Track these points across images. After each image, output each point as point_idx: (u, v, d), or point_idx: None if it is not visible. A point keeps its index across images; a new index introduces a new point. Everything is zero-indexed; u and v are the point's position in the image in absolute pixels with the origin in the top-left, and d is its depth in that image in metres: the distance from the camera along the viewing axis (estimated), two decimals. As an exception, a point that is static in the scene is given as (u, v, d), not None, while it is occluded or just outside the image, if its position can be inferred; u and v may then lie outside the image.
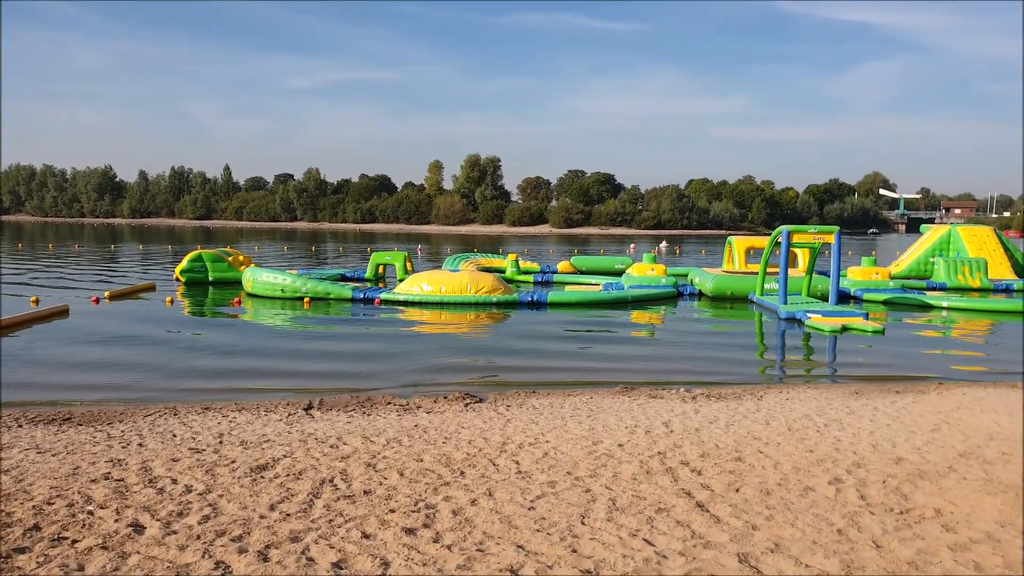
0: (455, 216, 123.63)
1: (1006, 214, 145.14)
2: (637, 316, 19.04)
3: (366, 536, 4.82)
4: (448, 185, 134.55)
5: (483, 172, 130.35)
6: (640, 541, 4.80)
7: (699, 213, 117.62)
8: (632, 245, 62.01)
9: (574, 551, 4.65)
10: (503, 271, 27.66)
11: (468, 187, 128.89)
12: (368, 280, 26.18)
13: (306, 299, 20.05)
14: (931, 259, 28.38)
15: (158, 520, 5.05)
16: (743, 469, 6.36)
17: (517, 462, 6.45)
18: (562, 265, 29.67)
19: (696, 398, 9.71)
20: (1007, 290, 25.50)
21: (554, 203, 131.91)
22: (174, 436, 7.34)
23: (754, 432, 7.68)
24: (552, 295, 20.37)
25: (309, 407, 8.87)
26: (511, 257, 28.65)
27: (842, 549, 4.71)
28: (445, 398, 9.43)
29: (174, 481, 5.88)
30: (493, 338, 15.33)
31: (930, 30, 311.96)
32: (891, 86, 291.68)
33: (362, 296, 20.18)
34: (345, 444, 6.99)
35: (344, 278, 26.12)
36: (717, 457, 6.71)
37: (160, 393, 10.04)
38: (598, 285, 24.37)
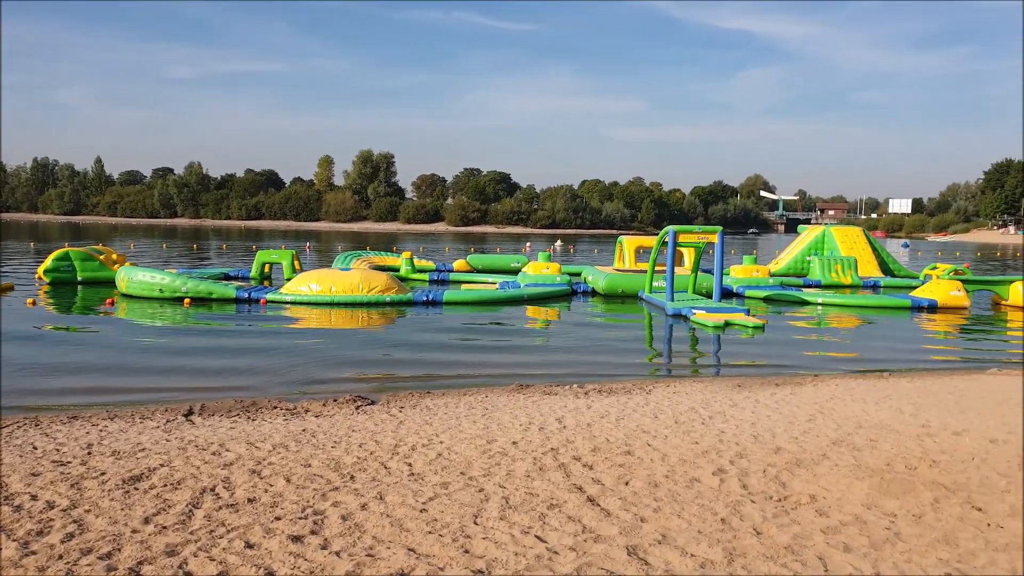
0: (347, 213, 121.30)
1: (873, 215, 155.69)
2: (533, 314, 19.21)
3: (249, 546, 4.61)
4: (339, 181, 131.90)
5: (376, 168, 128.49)
6: (532, 538, 4.80)
7: (592, 213, 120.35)
8: (528, 244, 62.72)
9: (466, 551, 4.60)
10: (397, 270, 27.33)
11: (360, 183, 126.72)
12: (253, 279, 25.26)
13: (186, 299, 19.10)
14: (807, 258, 29.99)
15: (14, 540, 4.65)
16: (632, 462, 6.49)
17: (410, 464, 6.35)
18: (458, 264, 29.61)
19: (589, 393, 9.86)
20: (875, 286, 27.31)
21: (450, 201, 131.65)
22: (35, 449, 6.80)
23: (643, 426, 7.86)
24: (448, 294, 20.28)
25: (189, 413, 8.43)
26: (405, 255, 28.35)
27: (725, 537, 4.86)
28: (335, 401, 9.18)
29: (34, 497, 5.43)
30: (386, 339, 15.08)
31: (807, 40, 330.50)
32: (772, 92, 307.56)
33: (247, 296, 19.41)
34: (228, 451, 6.68)
35: (228, 277, 25.11)
36: (608, 451, 6.82)
37: (19, 401, 9.28)
38: (494, 284, 24.46)
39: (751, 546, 4.73)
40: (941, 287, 21.70)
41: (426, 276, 27.13)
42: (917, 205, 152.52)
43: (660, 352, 15.07)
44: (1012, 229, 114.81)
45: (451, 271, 28.49)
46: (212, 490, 5.60)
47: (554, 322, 18.36)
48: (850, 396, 9.85)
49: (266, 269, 26.10)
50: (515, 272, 27.93)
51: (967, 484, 6.01)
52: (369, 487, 5.72)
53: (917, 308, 21.07)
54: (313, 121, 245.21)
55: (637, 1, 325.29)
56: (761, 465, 6.47)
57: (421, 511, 5.24)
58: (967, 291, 21.76)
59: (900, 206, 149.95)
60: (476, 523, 5.05)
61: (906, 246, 75.79)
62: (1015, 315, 20.87)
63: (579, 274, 27.02)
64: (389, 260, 29.90)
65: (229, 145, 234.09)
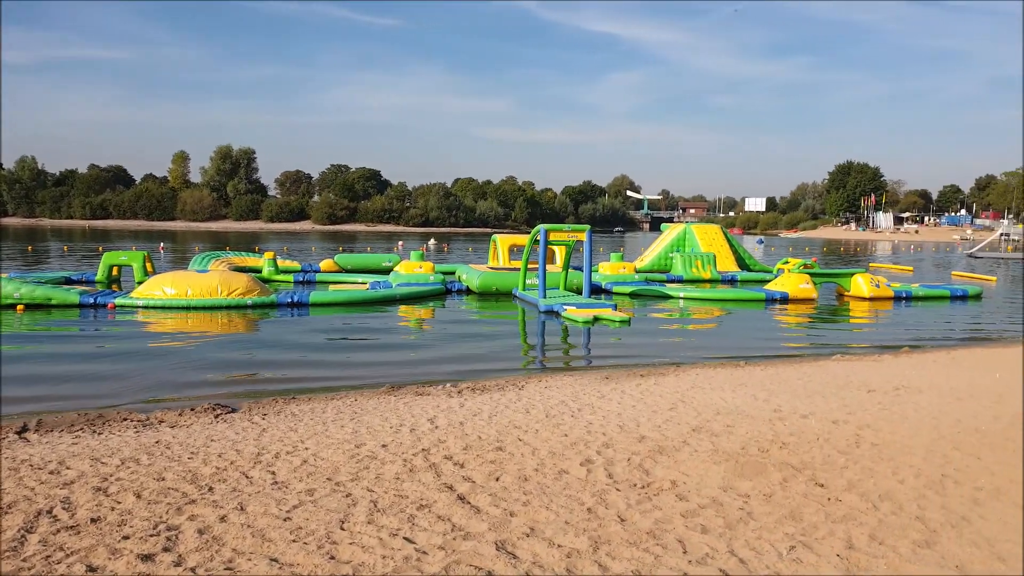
0: (204, 212, 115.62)
1: (731, 214, 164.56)
2: (405, 314, 18.99)
3: (92, 569, 4.27)
4: (196, 178, 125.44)
5: (236, 164, 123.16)
6: (401, 540, 4.73)
7: (466, 211, 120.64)
8: (400, 242, 62.04)
9: (332, 558, 4.46)
10: (259, 271, 26.29)
11: (219, 180, 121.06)
12: (100, 283, 23.57)
13: (19, 306, 17.56)
14: (670, 254, 31.30)
15: None
16: (503, 458, 6.52)
17: (273, 472, 6.10)
18: (325, 263, 28.84)
19: (462, 392, 9.84)
20: (732, 281, 28.87)
21: (316, 198, 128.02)
22: None
23: (515, 421, 7.92)
24: (315, 295, 19.70)
25: (23, 430, 7.73)
26: (268, 255, 27.28)
27: (591, 526, 4.96)
28: (192, 410, 8.69)
29: None
30: (248, 343, 14.45)
31: (668, 45, 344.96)
32: (636, 95, 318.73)
33: (92, 301, 18.06)
34: (69, 468, 6.17)
35: (70, 281, 23.29)
36: (479, 449, 6.82)
37: None
38: (365, 284, 23.98)
39: (615, 533, 4.85)
40: (792, 280, 23.23)
41: (291, 277, 26.11)
42: (770, 204, 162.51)
43: (533, 348, 15.27)
44: (853, 226, 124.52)
45: (318, 271, 27.67)
46: (49, 512, 5.16)
47: (427, 322, 18.24)
48: (709, 385, 10.33)
49: (114, 272, 24.43)
50: (386, 272, 27.54)
51: (812, 463, 6.43)
52: (229, 498, 5.45)
53: (770, 300, 22.46)
54: (165, 114, 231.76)
55: (504, 1, 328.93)
56: (626, 454, 6.66)
57: (285, 520, 5.04)
58: (815, 284, 23.41)
59: (755, 205, 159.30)
60: (343, 528, 4.91)
61: (761, 242, 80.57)
62: (857, 305, 22.64)
63: (453, 273, 26.99)
64: (251, 261, 28.64)
65: (69, 138, 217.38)
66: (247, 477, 5.96)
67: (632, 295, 23.60)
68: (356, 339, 15.15)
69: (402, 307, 19.97)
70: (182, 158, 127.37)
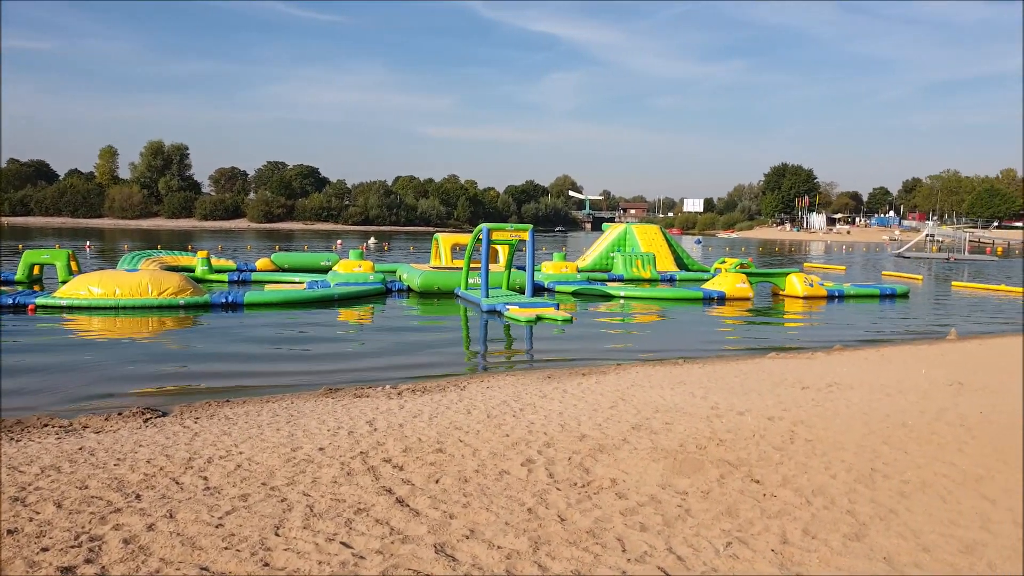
0: (134, 209, 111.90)
1: (670, 214, 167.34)
2: (344, 314, 18.71)
3: (7, 585, 4.05)
4: (125, 174, 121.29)
5: (168, 160, 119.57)
6: (337, 545, 4.63)
7: (407, 210, 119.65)
8: (339, 241, 61.15)
9: (266, 564, 4.34)
10: (192, 270, 25.57)
11: (150, 177, 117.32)
12: (20, 283, 22.59)
13: None
14: (611, 254, 31.61)
15: None
16: (444, 460, 6.45)
17: (205, 478, 5.90)
18: (262, 262, 28.24)
19: (402, 394, 9.72)
20: (671, 280, 29.31)
21: (252, 196, 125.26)
22: None
23: (456, 422, 7.86)
24: (250, 295, 19.24)
25: (-61, 438, 7.33)
26: (202, 254, 26.56)
27: (531, 527, 4.94)
28: (120, 415, 8.36)
29: None
30: (180, 345, 14.02)
31: (608, 47, 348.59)
32: (577, 95, 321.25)
33: (11, 302, 17.26)
34: (-15, 478, 5.87)
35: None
36: (419, 451, 6.74)
37: None
38: (302, 283, 23.54)
39: (555, 533, 4.84)
40: (728, 280, 23.70)
41: (225, 277, 25.43)
42: (708, 204, 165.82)
43: (475, 348, 15.21)
44: (788, 226, 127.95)
45: (254, 271, 27.05)
46: (-38, 524, 4.88)
47: (367, 322, 18.00)
48: (649, 383, 10.44)
49: (36, 271, 23.43)
50: (325, 271, 27.12)
51: (748, 459, 6.54)
52: (157, 505, 5.25)
53: (708, 299, 22.88)
54: (92, 108, 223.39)
55: (448, 1, 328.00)
56: (567, 453, 6.66)
57: (217, 526, 4.88)
58: (751, 283, 23.94)
59: (693, 205, 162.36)
60: (278, 534, 4.78)
61: (699, 242, 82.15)
62: (791, 304, 23.23)
63: (394, 272, 26.73)
64: (183, 260, 27.83)
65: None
66: (177, 483, 5.76)
67: (574, 294, 23.74)
68: (293, 340, 14.84)
69: (341, 307, 19.67)
70: (110, 153, 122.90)
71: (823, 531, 4.94)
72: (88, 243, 50.55)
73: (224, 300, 18.56)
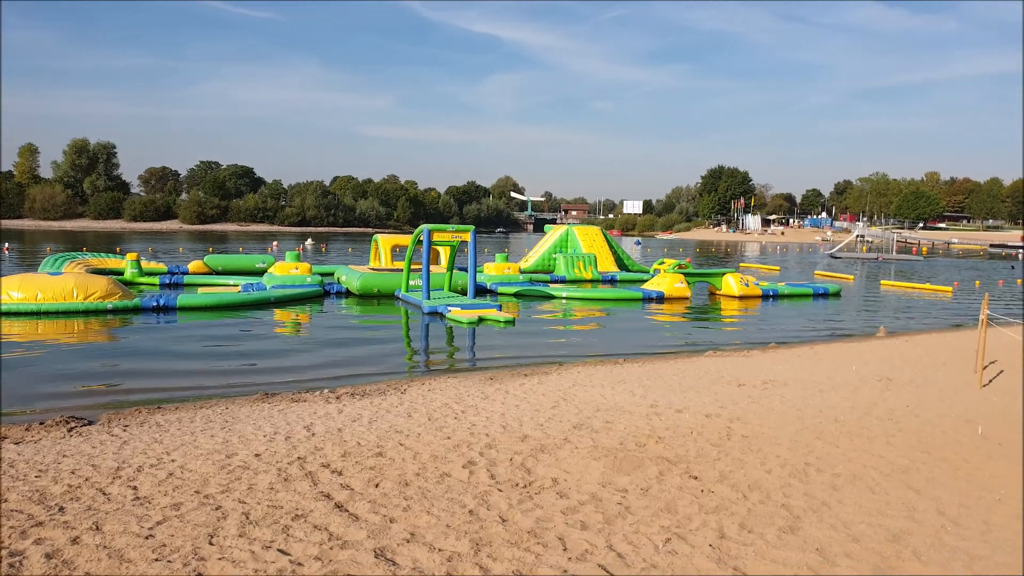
0: (57, 210, 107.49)
1: (611, 216, 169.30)
2: (281, 317, 18.34)
3: (-83, 607, 3.83)
4: (47, 173, 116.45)
5: (94, 159, 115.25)
6: (274, 552, 4.52)
7: (345, 211, 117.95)
8: (275, 243, 59.94)
9: (199, 575, 4.20)
10: (121, 273, 24.72)
11: (74, 176, 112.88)
12: None
13: None
14: (553, 255, 31.80)
15: None
16: (384, 464, 6.37)
17: (134, 488, 5.70)
18: (194, 265, 27.48)
19: (341, 398, 9.56)
20: (612, 281, 29.64)
21: (185, 196, 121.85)
22: None
23: (396, 426, 7.77)
24: (183, 298, 18.69)
25: None
26: (131, 257, 25.68)
27: (472, 528, 4.91)
28: (42, 424, 8.00)
29: None
30: (108, 351, 13.52)
31: (549, 49, 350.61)
32: (518, 97, 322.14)
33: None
34: None
35: None
36: (359, 455, 6.64)
37: None
38: (237, 286, 22.98)
39: (497, 534, 4.82)
40: (667, 280, 24.08)
41: (156, 280, 24.61)
42: (647, 206, 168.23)
43: (416, 351, 15.09)
44: (724, 227, 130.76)
45: (186, 273, 26.28)
46: None
47: (305, 325, 17.67)
48: (590, 382, 10.52)
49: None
50: (260, 273, 26.58)
51: (686, 456, 6.64)
52: (83, 518, 5.04)
53: (647, 299, 23.20)
54: (9, 103, 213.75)
55: (387, 0, 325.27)
56: (508, 454, 6.65)
57: (147, 537, 4.72)
58: (689, 283, 24.37)
59: (633, 207, 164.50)
60: (212, 543, 4.64)
61: (638, 243, 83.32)
62: (728, 303, 23.73)
63: (332, 274, 26.33)
64: (111, 262, 26.85)
65: None
66: (104, 494, 5.54)
67: (517, 295, 23.79)
68: (228, 344, 14.46)
69: (277, 310, 19.28)
70: (30, 151, 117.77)
71: (759, 525, 5.04)
72: (7, 245, 48.36)
73: (155, 304, 17.98)
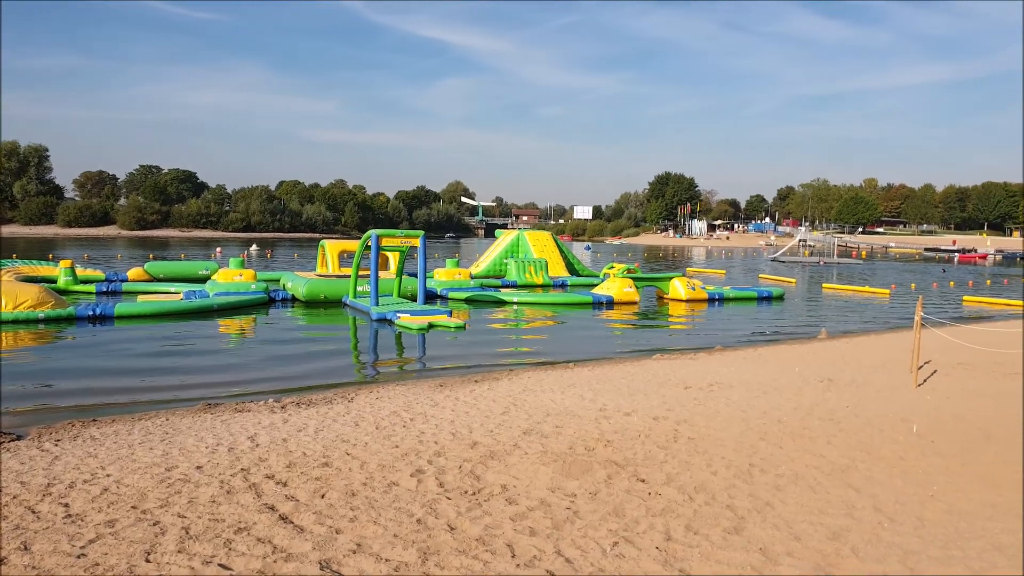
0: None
1: (561, 221, 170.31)
2: (225, 326, 17.95)
3: None
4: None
5: (24, 163, 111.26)
6: (215, 567, 4.40)
7: (291, 216, 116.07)
8: (218, 249, 58.67)
9: (135, 596, 4.06)
10: (54, 280, 23.88)
11: (4, 180, 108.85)
12: None
13: None
14: (505, 260, 31.83)
15: None
16: (330, 474, 6.26)
17: (66, 504, 5.48)
18: (134, 272, 26.71)
19: (286, 407, 9.39)
20: (562, 285, 29.79)
21: (123, 201, 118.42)
22: None
23: (343, 435, 7.66)
24: (121, 307, 18.13)
25: None
26: (64, 264, 24.80)
27: (420, 537, 4.85)
28: (-30, 439, 7.68)
29: None
30: (39, 362, 13.01)
31: (498, 54, 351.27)
32: (468, 102, 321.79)
33: None
34: None
35: None
36: (304, 465, 6.52)
37: None
38: (178, 293, 22.40)
39: (445, 542, 4.77)
40: (616, 284, 24.32)
41: (92, 288, 23.72)
42: (597, 211, 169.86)
43: (365, 358, 14.92)
44: (672, 233, 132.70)
45: (125, 280, 25.49)
46: None
47: (249, 333, 17.33)
48: (540, 387, 10.53)
49: None
50: (203, 280, 25.96)
51: (634, 459, 6.68)
52: (10, 537, 4.83)
53: (597, 304, 23.39)
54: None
55: (332, 1, 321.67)
56: (458, 461, 6.60)
57: (79, 556, 4.54)
58: (637, 287, 24.64)
59: (583, 212, 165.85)
60: (149, 560, 4.50)
61: (588, 248, 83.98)
62: (675, 307, 24.07)
63: (277, 280, 25.90)
64: (43, 270, 25.89)
65: None
66: (33, 512, 5.32)
67: (468, 301, 23.73)
68: (169, 354, 14.08)
69: (221, 318, 18.86)
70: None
71: (705, 526, 5.10)
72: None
73: (91, 313, 17.40)
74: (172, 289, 23.64)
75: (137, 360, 13.16)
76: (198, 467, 6.46)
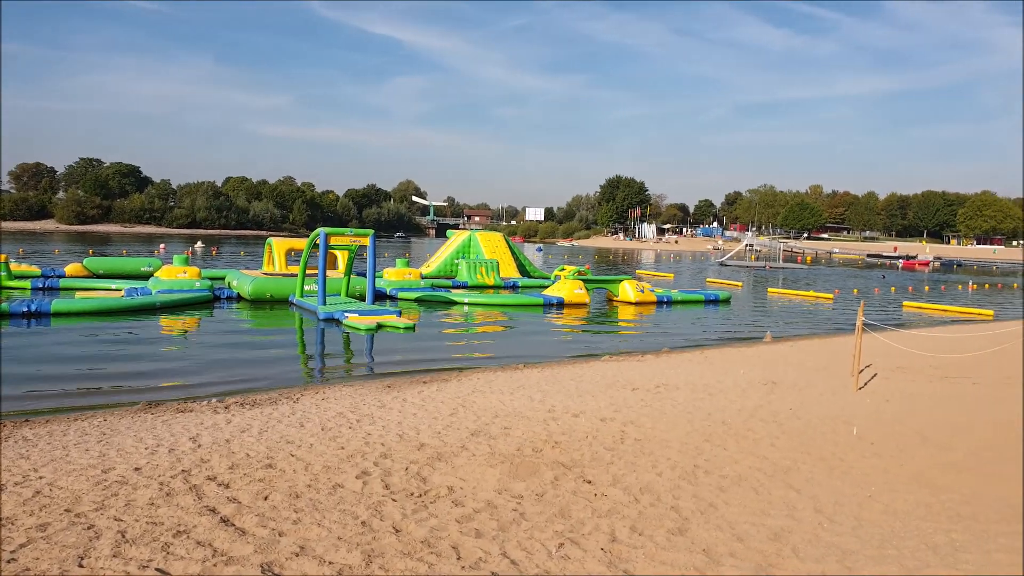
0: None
1: (513, 222, 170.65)
2: (168, 324, 17.51)
3: None
4: None
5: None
6: (152, 572, 4.28)
7: (238, 212, 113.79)
8: (162, 245, 57.22)
9: (66, 603, 3.93)
10: (-12, 276, 22.99)
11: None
12: None
13: None
14: (456, 260, 31.73)
15: None
16: (274, 476, 6.15)
17: (-5, 508, 5.27)
18: (72, 268, 25.88)
19: (230, 408, 9.20)
20: (513, 287, 29.84)
21: (62, 195, 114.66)
22: None
23: (288, 436, 7.53)
24: (58, 303, 17.53)
25: None
26: (-1, 258, 23.94)
27: (364, 540, 4.80)
28: None
29: None
30: (-23, 358, 12.55)
31: (451, 53, 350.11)
32: (421, 101, 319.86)
33: None
34: None
35: None
36: (247, 467, 6.39)
37: None
38: (120, 291, 21.77)
39: (390, 545, 4.73)
40: (567, 286, 24.45)
41: (27, 284, 22.91)
42: (549, 213, 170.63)
43: (311, 359, 14.71)
44: (622, 236, 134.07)
45: (62, 276, 24.68)
46: None
47: (193, 332, 16.93)
48: (489, 388, 10.52)
49: None
50: (146, 277, 25.31)
51: (581, 460, 6.72)
52: (-66, 543, 4.63)
53: (548, 305, 23.49)
54: None
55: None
56: (404, 463, 6.55)
57: (9, 562, 4.37)
58: (588, 289, 24.82)
59: (535, 214, 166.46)
60: (81, 566, 4.35)
61: (540, 250, 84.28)
62: (624, 309, 24.32)
63: (223, 278, 25.38)
64: (-28, 265, 24.93)
65: None
66: (-40, 516, 5.11)
67: (418, 301, 23.59)
68: (108, 352, 13.67)
69: (163, 316, 18.40)
70: None
71: (649, 527, 5.15)
72: None
73: (26, 309, 16.79)
74: (113, 286, 22.97)
75: (75, 359, 12.75)
76: (136, 469, 6.29)
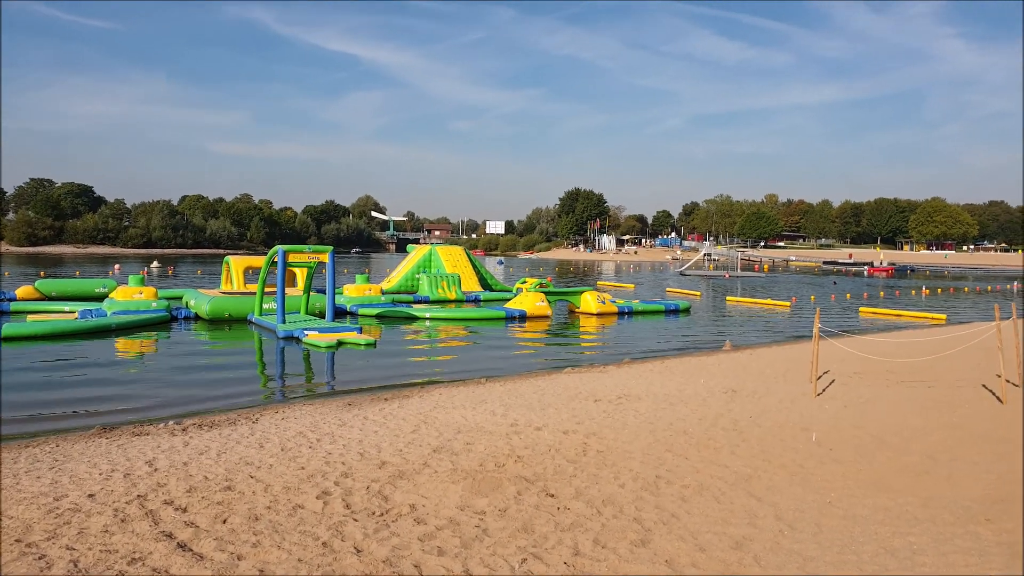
0: None
1: (473, 236, 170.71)
2: (123, 346, 17.13)
3: None
4: None
5: None
6: (106, 604, 4.16)
7: (195, 231, 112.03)
8: (117, 266, 56.02)
9: (15, 638, 3.80)
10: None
11: None
12: None
13: None
14: (417, 275, 31.60)
15: None
16: (232, 498, 6.05)
17: (-60, 541, 5.09)
18: (23, 290, 25.22)
19: (187, 430, 9.02)
20: (476, 301, 29.81)
21: (12, 216, 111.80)
22: None
23: (247, 457, 7.41)
24: (8, 328, 17.04)
25: None
26: (-50, 283, 23.23)
27: (325, 561, 4.74)
28: None
29: None
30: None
31: (407, 68, 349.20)
32: (378, 116, 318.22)
33: None
34: None
35: None
36: (205, 490, 6.27)
37: None
38: (73, 313, 21.26)
39: (351, 565, 4.67)
40: (529, 299, 24.52)
41: None
42: (509, 226, 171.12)
43: (271, 378, 14.50)
44: (582, 247, 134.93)
45: (13, 299, 24.04)
46: None
47: (149, 354, 16.59)
48: (451, 403, 10.48)
49: None
50: (101, 298, 24.76)
51: (544, 474, 6.73)
52: None
53: (510, 318, 23.51)
54: None
55: (236, 11, 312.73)
56: (365, 482, 6.49)
57: (-46, 598, 4.22)
58: (549, 301, 24.90)
59: (495, 227, 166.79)
60: (31, 600, 4.22)
61: (501, 263, 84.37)
62: (586, 320, 24.44)
63: (180, 298, 24.94)
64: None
65: None
66: (-98, 551, 4.92)
67: (379, 317, 23.43)
68: (61, 377, 13.33)
69: (119, 338, 18.00)
70: None
71: (612, 540, 5.17)
72: None
73: (-25, 333, 16.29)
74: (66, 308, 22.43)
75: (27, 386, 12.39)
76: (90, 495, 6.13)
